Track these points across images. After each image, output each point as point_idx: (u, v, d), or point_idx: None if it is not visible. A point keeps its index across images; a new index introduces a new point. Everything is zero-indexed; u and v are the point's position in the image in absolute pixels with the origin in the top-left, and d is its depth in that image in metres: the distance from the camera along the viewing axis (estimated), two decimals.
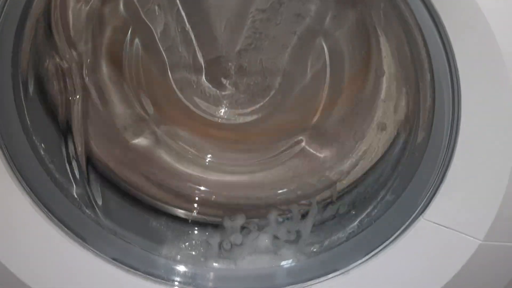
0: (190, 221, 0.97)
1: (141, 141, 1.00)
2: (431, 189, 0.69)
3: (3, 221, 0.75)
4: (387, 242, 0.74)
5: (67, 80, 0.87)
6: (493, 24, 0.56)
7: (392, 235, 0.74)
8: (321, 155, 0.99)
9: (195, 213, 0.99)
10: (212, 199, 1.02)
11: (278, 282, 0.84)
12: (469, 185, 0.65)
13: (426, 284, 0.71)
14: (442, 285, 0.69)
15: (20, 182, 0.75)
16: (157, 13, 0.92)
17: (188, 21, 0.93)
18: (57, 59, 0.85)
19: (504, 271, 0.69)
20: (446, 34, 0.59)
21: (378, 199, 0.82)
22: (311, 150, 1.00)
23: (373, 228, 0.80)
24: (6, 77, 0.73)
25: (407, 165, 0.78)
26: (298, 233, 0.90)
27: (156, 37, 0.94)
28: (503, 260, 0.68)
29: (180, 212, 0.98)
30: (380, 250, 0.75)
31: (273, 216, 0.94)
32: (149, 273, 0.83)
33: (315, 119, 0.99)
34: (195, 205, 1.01)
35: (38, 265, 0.77)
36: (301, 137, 1.01)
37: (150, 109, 1.01)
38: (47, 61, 0.84)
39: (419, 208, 0.71)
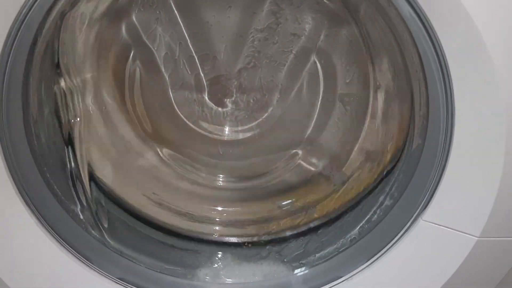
0: (195, 239, 0.98)
1: (142, 162, 1.03)
2: (428, 192, 0.72)
3: (9, 242, 0.76)
4: (389, 245, 0.77)
5: (69, 103, 0.90)
6: (486, 38, 0.60)
7: (392, 239, 0.76)
8: (318, 167, 1.02)
9: (200, 230, 0.99)
10: (215, 216, 1.03)
11: None
12: (465, 185, 0.68)
13: (428, 283, 0.73)
14: (444, 282, 0.72)
15: (26, 203, 0.76)
16: (159, 37, 0.96)
17: (190, 42, 0.96)
18: (61, 83, 0.87)
19: (501, 264, 0.72)
20: (438, 41, 0.64)
21: (377, 204, 0.84)
22: (307, 163, 1.04)
23: (374, 233, 0.82)
24: (16, 101, 0.75)
25: (404, 170, 0.81)
26: (305, 244, 0.92)
27: (158, 60, 0.97)
28: (499, 254, 0.71)
29: (185, 230, 0.99)
30: (382, 254, 0.77)
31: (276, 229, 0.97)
32: None
33: (310, 132, 1.03)
34: (199, 223, 1.01)
35: (44, 286, 0.77)
36: (297, 150, 1.05)
37: (151, 129, 1.03)
38: (53, 85, 0.86)
39: (417, 210, 0.74)
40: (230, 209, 1.05)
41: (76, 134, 0.90)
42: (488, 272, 0.73)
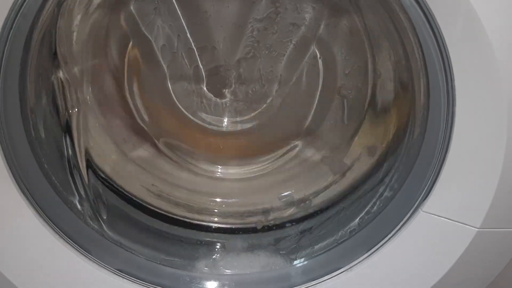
0: (194, 230, 0.98)
1: (141, 153, 1.02)
2: (428, 183, 0.72)
3: (9, 234, 0.76)
4: (388, 237, 0.76)
5: (67, 93, 0.89)
6: (488, 29, 0.60)
7: (392, 230, 0.76)
8: (317, 158, 1.02)
9: (199, 222, 1.00)
10: (214, 207, 1.03)
11: (285, 283, 0.85)
12: (465, 176, 0.68)
13: (428, 274, 0.73)
14: (444, 273, 0.72)
15: (25, 194, 0.76)
16: (157, 27, 0.95)
17: (189, 33, 0.96)
18: (59, 73, 0.87)
19: (501, 255, 0.72)
20: (439, 30, 0.63)
21: (377, 195, 0.84)
22: (307, 154, 1.03)
23: (373, 224, 0.82)
24: (13, 90, 0.74)
25: (404, 161, 0.81)
26: (304, 235, 0.92)
27: (157, 50, 0.97)
28: (499, 245, 0.71)
29: (184, 222, 0.99)
30: (382, 245, 0.77)
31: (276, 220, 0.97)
32: (155, 283, 0.83)
33: (310, 123, 1.03)
34: (198, 214, 1.01)
35: (43, 278, 0.77)
36: (296, 141, 1.04)
37: (149, 120, 1.03)
38: (50, 75, 0.85)
39: (417, 202, 0.73)
40: (229, 200, 1.04)
41: (74, 125, 0.90)
42: (488, 263, 0.73)
